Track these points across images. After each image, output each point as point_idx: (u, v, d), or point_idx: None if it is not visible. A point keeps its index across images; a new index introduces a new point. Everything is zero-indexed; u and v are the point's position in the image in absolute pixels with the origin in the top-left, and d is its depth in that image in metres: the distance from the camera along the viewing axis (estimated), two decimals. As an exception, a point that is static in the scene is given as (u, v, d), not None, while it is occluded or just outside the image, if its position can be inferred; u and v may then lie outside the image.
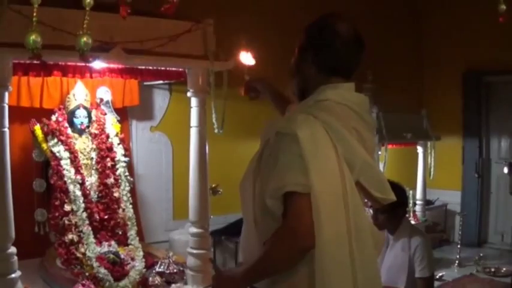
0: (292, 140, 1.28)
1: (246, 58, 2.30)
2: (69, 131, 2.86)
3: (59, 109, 2.89)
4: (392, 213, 2.52)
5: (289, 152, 1.28)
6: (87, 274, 2.53)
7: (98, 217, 2.81)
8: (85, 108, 2.91)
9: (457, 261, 4.48)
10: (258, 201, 1.35)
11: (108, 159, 2.94)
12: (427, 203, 4.86)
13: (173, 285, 2.70)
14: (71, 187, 2.74)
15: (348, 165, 1.32)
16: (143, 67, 2.80)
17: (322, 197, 1.26)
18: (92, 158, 2.92)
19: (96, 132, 2.96)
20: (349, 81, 1.45)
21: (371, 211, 2.54)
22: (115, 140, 3.01)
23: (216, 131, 2.77)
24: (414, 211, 4.62)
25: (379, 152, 4.01)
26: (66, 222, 2.68)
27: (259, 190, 1.34)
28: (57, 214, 2.71)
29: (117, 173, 2.95)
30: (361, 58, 1.45)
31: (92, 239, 2.69)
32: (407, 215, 3.10)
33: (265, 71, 3.90)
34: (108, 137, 2.99)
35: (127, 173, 3.01)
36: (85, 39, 1.96)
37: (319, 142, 1.29)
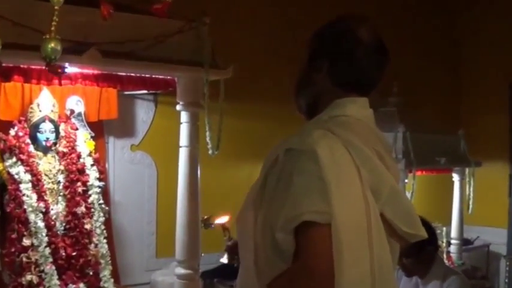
0: (309, 158, 1.28)
1: (222, 219, 2.35)
2: (31, 148, 2.86)
3: (19, 122, 2.89)
4: (418, 257, 2.49)
5: (305, 172, 1.27)
6: (48, 324, 2.50)
7: (64, 254, 2.79)
8: (52, 121, 2.91)
9: (501, 315, 4.41)
10: (261, 236, 1.33)
11: (79, 183, 2.93)
12: (464, 242, 4.80)
13: None
14: (31, 217, 2.72)
15: (372, 192, 1.31)
16: (123, 73, 2.81)
17: (345, 229, 1.24)
18: (59, 182, 2.91)
19: (65, 150, 2.96)
20: (364, 96, 1.48)
21: None
22: (88, 161, 3.00)
23: (210, 152, 2.77)
24: (448, 252, 4.57)
25: (406, 180, 3.99)
26: (25, 259, 2.65)
27: (263, 223, 1.33)
28: (13, 250, 2.68)
29: (90, 200, 2.94)
30: (384, 71, 1.47)
31: (55, 281, 2.67)
32: (439, 256, 3.06)
33: (266, 80, 3.97)
34: (79, 156, 2.98)
35: (101, 201, 3.00)
36: (53, 44, 1.95)
37: (341, 162, 1.29)
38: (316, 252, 1.23)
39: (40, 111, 2.89)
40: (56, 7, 1.53)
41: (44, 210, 2.77)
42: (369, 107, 1.48)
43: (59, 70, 2.14)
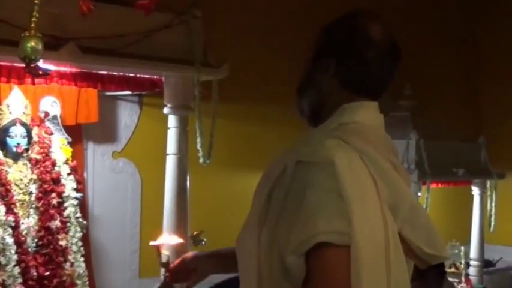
0: (325, 172, 1.27)
1: (170, 239, 2.19)
2: None
3: (-13, 125, 2.89)
4: (423, 280, 2.48)
5: (321, 187, 1.26)
6: None
7: (35, 273, 2.77)
8: (23, 124, 2.90)
9: None
10: (267, 261, 1.31)
11: (54, 194, 2.92)
12: (485, 264, 4.81)
13: None
14: (-1, 232, 2.71)
15: (390, 208, 1.31)
16: (105, 72, 2.81)
17: (366, 252, 1.23)
18: (31, 193, 2.90)
19: (38, 157, 2.94)
20: (374, 101, 1.48)
21: None
22: (64, 169, 2.99)
23: (201, 160, 2.78)
24: (467, 275, 4.56)
25: (419, 194, 4.01)
26: (-9, 280, 2.65)
27: (268, 245, 1.31)
28: (-22, 269, 2.67)
29: (65, 213, 2.93)
30: (396, 73, 1.48)
31: (25, 304, 2.65)
32: (447, 280, 3.06)
33: (265, 80, 3.97)
34: (54, 164, 2.97)
35: (79, 214, 2.99)
36: (33, 43, 1.95)
37: (359, 175, 1.29)
38: (333, 277, 1.22)
39: (10, 113, 2.88)
40: (36, 0, 1.52)
41: (13, 224, 2.76)
42: (380, 112, 1.48)
43: (40, 73, 2.14)
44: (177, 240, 2.12)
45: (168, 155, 2.77)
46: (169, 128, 2.77)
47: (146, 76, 2.87)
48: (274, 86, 3.91)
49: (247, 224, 1.38)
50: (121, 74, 2.84)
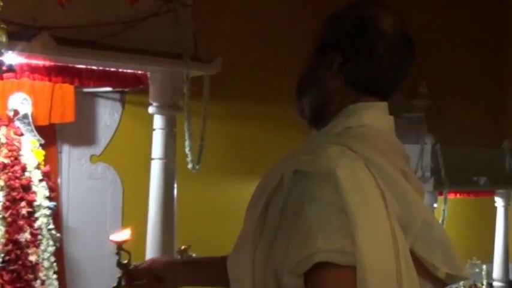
0: (326, 183, 1.26)
1: (120, 234, 1.96)
2: (-36, 158, 2.85)
3: (-51, 124, 2.90)
4: None
5: (321, 201, 1.26)
6: None
7: (2, 293, 2.77)
8: (-10, 124, 2.91)
9: None
10: (262, 282, 1.32)
11: (23, 203, 2.92)
12: (510, 285, 4.81)
13: None
14: (-38, 245, 2.71)
15: (401, 224, 1.31)
16: (83, 66, 2.81)
17: (373, 273, 1.23)
18: (-2, 201, 2.90)
19: (6, 161, 2.95)
20: (384, 100, 1.48)
21: None
22: (35, 175, 3.00)
23: (189, 166, 2.78)
24: (490, 296, 4.59)
25: (435, 205, 4.02)
26: (-48, 299, 2.65)
27: (264, 264, 1.31)
28: None
29: (36, 225, 2.94)
30: (409, 69, 1.48)
31: (-10, 327, 2.65)
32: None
33: (262, 76, 3.98)
34: (24, 169, 2.98)
35: (51, 226, 2.99)
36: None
37: (365, 187, 1.29)
38: None
39: (-25, 111, 2.89)
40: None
41: (-23, 237, 2.76)
42: (389, 114, 1.48)
43: (4, 68, 2.16)
44: (126, 235, 1.87)
45: (153, 159, 2.77)
46: (154, 130, 2.77)
47: (129, 71, 2.87)
48: (273, 83, 3.92)
49: (241, 240, 1.38)
50: (101, 68, 2.83)
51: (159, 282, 1.76)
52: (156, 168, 2.76)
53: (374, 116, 1.44)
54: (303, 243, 1.23)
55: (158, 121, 2.78)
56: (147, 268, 1.77)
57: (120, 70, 2.87)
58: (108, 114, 3.61)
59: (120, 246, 1.79)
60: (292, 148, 1.40)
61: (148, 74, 2.83)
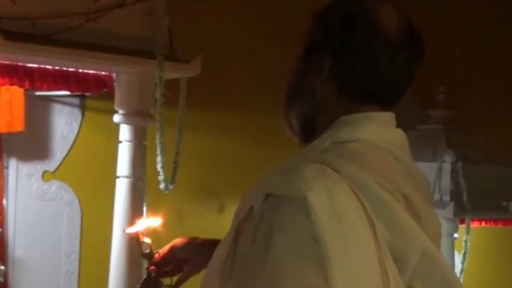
0: (297, 209, 1.26)
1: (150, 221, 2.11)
2: None
3: None
4: None
5: (292, 230, 1.26)
6: None
7: None
8: None
9: None
10: None
11: (-40, 228, 2.91)
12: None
13: None
14: None
15: (394, 258, 1.32)
16: (35, 65, 2.82)
17: None
18: None
19: None
20: (386, 110, 1.49)
21: None
22: (-24, 195, 2.99)
23: (162, 186, 2.79)
24: None
25: (455, 235, 4.00)
26: None
27: None
28: None
29: (-25, 254, 2.93)
30: (416, 71, 1.49)
31: None
32: None
33: (249, 79, 4.00)
34: (-38, 187, 2.97)
35: (-6, 256, 2.98)
36: None
37: (345, 215, 1.27)
38: None
39: None
40: None
41: None
42: (395, 125, 1.49)
43: None
44: (158, 221, 2.05)
45: (118, 177, 2.77)
46: (120, 142, 2.77)
47: (91, 72, 2.88)
48: (261, 88, 3.93)
49: (208, 275, 1.41)
50: (57, 68, 2.84)
51: (184, 265, 1.86)
52: (121, 188, 2.76)
53: (372, 129, 1.44)
54: (270, 281, 1.23)
55: (125, 132, 2.78)
56: (168, 252, 1.86)
57: (80, 70, 2.88)
58: (64, 123, 3.59)
59: (137, 238, 1.90)
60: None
61: (114, 75, 2.84)
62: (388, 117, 1.49)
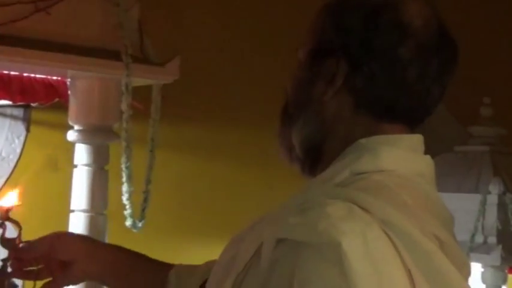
0: (326, 259, 1.27)
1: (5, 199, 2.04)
2: None
3: None
4: None
5: (320, 285, 1.27)
6: None
7: None
8: None
9: None
10: None
11: None
12: None
13: None
14: None
15: None
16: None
17: None
18: None
19: None
20: (413, 131, 1.52)
21: None
22: None
23: (128, 223, 2.80)
24: None
25: (503, 287, 4.00)
26: None
27: None
28: None
29: None
30: (449, 82, 1.52)
31: None
32: None
33: (237, 87, 4.03)
34: None
35: None
36: None
37: (383, 266, 1.29)
38: None
39: None
40: None
41: None
42: (424, 151, 1.51)
43: None
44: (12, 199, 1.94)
45: (72, 211, 2.76)
46: (76, 166, 2.76)
47: (38, 76, 2.87)
48: (256, 100, 3.99)
49: None
50: (-5, 71, 2.84)
51: (63, 269, 1.78)
52: (77, 225, 2.75)
53: (398, 156, 1.46)
54: None
55: (81, 154, 2.76)
56: (43, 247, 1.78)
57: (25, 75, 2.87)
58: (4, 141, 3.61)
59: (4, 215, 1.82)
60: (281, 199, 1.41)
61: (68, 81, 2.84)
62: (416, 140, 1.51)
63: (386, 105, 1.47)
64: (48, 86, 2.94)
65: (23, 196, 1.90)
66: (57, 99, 2.95)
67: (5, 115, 3.58)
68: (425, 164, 1.51)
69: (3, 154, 3.59)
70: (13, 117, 3.61)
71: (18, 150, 3.64)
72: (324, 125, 1.51)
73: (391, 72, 1.45)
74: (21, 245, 1.76)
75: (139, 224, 2.81)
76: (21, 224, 1.83)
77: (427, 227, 1.38)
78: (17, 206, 1.84)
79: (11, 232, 2.04)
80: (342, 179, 1.42)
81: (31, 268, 1.79)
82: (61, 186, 2.89)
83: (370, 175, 1.41)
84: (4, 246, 1.76)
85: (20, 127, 3.63)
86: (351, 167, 1.43)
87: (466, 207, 3.74)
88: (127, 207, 2.78)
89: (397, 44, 1.45)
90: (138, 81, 2.79)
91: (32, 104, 3.37)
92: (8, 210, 1.80)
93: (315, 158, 1.52)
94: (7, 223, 1.81)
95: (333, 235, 1.24)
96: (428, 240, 1.35)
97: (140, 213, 2.80)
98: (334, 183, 1.41)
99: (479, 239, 3.93)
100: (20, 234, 1.77)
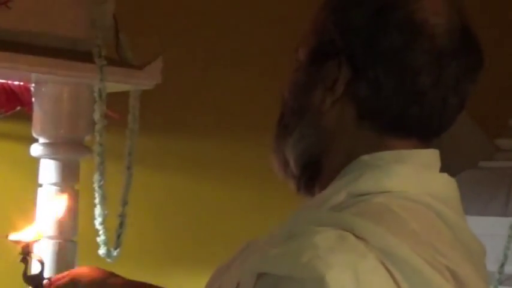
0: None
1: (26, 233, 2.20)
2: None
3: None
4: None
5: None
6: None
7: None
8: None
9: None
10: None
11: None
12: None
13: None
14: None
15: None
16: None
17: None
18: None
19: None
20: (427, 146, 1.52)
21: None
22: None
23: (101, 251, 2.79)
24: None
25: None
26: None
27: None
28: None
29: None
30: (470, 91, 1.53)
31: None
32: None
33: (227, 93, 4.05)
34: None
35: None
36: None
37: None
38: None
39: None
40: None
41: None
42: (439, 169, 1.52)
43: None
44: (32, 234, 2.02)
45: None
46: (41, 186, 2.76)
47: None
48: (245, 108, 4.02)
49: None
50: None
51: None
52: (44, 253, 2.64)
53: (408, 175, 1.46)
54: None
55: (48, 171, 2.76)
56: (70, 284, 1.90)
57: None
58: None
59: (26, 250, 1.92)
60: (276, 223, 1.42)
61: (32, 86, 2.85)
62: (430, 156, 1.52)
63: (394, 116, 1.48)
64: (8, 92, 2.95)
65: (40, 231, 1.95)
66: (19, 108, 2.96)
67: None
68: (442, 183, 1.51)
69: (-43, 171, 3.61)
70: (-33, 128, 3.63)
71: (-25, 168, 3.66)
72: (322, 138, 1.52)
73: (400, 79, 1.46)
74: (44, 281, 1.88)
75: (114, 253, 2.81)
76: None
77: (437, 257, 1.37)
78: (37, 240, 1.89)
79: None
80: (337, 201, 1.42)
81: None
82: (24, 209, 2.81)
83: (371, 197, 1.42)
84: (28, 282, 1.85)
85: (-24, 140, 3.66)
86: (349, 188, 1.43)
87: (493, 233, 3.74)
88: (100, 233, 2.77)
89: (409, 46, 1.45)
90: (114, 87, 2.79)
91: (-9, 112, 3.42)
92: (29, 245, 1.90)
93: (312, 175, 1.54)
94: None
95: (318, 268, 1.25)
96: (436, 274, 1.34)
97: (115, 240, 2.80)
98: (330, 206, 1.42)
99: (509, 270, 3.91)
100: (42, 270, 1.83)
